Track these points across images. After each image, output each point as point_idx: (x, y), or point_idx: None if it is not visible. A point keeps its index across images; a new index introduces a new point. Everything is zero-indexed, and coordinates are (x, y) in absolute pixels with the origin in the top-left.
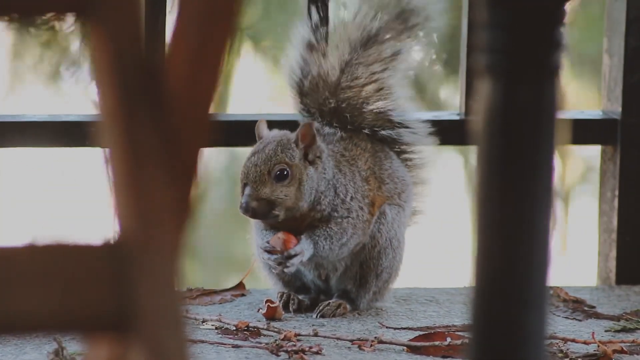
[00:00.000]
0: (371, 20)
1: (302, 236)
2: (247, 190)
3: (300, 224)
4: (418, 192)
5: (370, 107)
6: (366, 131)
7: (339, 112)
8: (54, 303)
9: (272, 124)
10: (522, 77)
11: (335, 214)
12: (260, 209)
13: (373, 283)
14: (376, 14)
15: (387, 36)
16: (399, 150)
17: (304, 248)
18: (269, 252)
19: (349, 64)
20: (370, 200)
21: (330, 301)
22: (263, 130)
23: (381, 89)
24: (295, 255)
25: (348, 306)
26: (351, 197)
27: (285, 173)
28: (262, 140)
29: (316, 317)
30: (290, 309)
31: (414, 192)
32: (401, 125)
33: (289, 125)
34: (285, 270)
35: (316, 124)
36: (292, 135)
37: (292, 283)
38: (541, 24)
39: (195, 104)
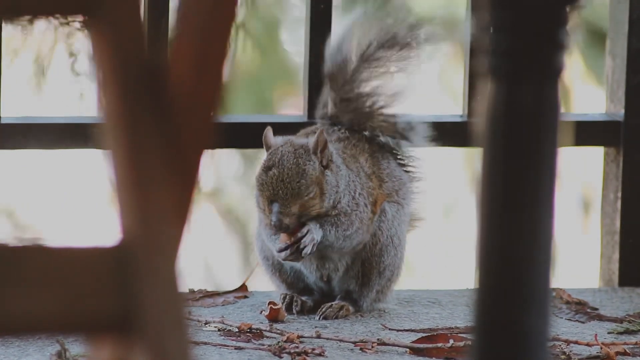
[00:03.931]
0: (394, 22)
1: (308, 222)
2: (276, 207)
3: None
4: (419, 199)
5: (380, 109)
6: (366, 133)
7: (349, 108)
8: (57, 305)
9: (274, 126)
10: (524, 78)
11: (347, 208)
12: (292, 224)
13: (376, 282)
14: (400, 18)
15: (408, 41)
16: (400, 162)
17: (311, 228)
18: (285, 249)
19: (366, 60)
20: (373, 199)
21: (332, 303)
22: (271, 138)
23: (393, 92)
24: (305, 235)
25: (351, 308)
26: (359, 193)
27: (310, 187)
28: (274, 151)
29: (319, 319)
30: (294, 310)
31: (413, 193)
32: (403, 136)
33: (291, 127)
34: (303, 253)
35: (325, 128)
36: (305, 142)
37: (295, 285)
38: (544, 25)
39: (198, 106)
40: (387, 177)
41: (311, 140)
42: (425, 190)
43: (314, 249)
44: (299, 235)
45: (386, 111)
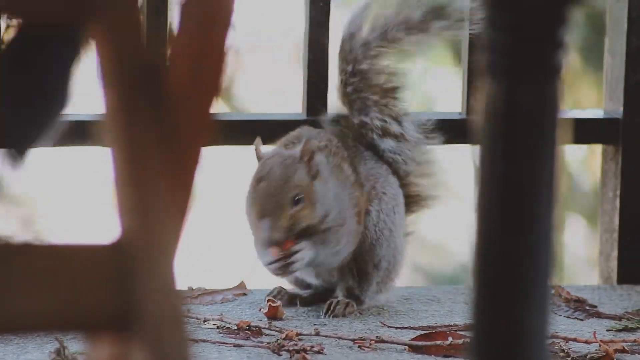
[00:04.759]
0: (409, 8)
1: (301, 240)
2: (265, 223)
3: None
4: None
5: (385, 91)
6: (355, 120)
7: (356, 82)
8: (56, 302)
9: (273, 124)
10: (523, 77)
11: (334, 224)
12: (282, 238)
13: (374, 274)
14: (415, 4)
15: (423, 26)
16: (380, 155)
17: (305, 246)
18: (275, 262)
19: (380, 37)
20: (358, 209)
21: (338, 299)
22: (261, 149)
23: (395, 75)
24: (297, 251)
25: (355, 305)
26: (345, 206)
27: (299, 198)
28: (263, 163)
29: (329, 317)
30: (281, 301)
31: (394, 179)
32: (402, 137)
33: (290, 125)
34: (292, 269)
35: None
36: (293, 152)
37: (295, 281)
38: (543, 24)
39: (196, 103)
40: (364, 180)
41: (298, 150)
42: (431, 195)
43: (302, 267)
44: (292, 250)
45: (390, 94)
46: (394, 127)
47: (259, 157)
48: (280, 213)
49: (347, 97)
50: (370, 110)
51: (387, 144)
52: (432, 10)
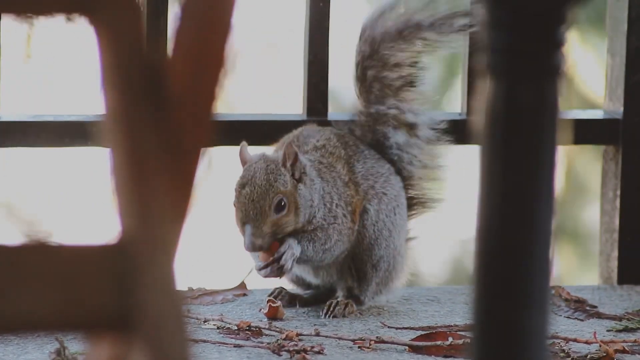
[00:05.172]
0: (430, 6)
1: (286, 238)
2: (249, 229)
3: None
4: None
5: (398, 85)
6: (373, 109)
7: (373, 74)
8: (56, 302)
9: (274, 125)
10: (523, 77)
11: (324, 222)
12: (265, 244)
13: (373, 274)
14: (435, 4)
15: (436, 27)
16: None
17: (290, 243)
18: (265, 267)
19: (401, 31)
20: (352, 208)
21: (338, 300)
22: (246, 154)
23: (409, 74)
24: (284, 252)
25: (355, 306)
26: (336, 204)
27: (283, 203)
28: (248, 168)
29: (329, 317)
30: (282, 301)
31: (396, 179)
32: (414, 131)
33: (290, 126)
34: (285, 269)
35: (293, 140)
36: (277, 157)
37: (295, 281)
38: (543, 23)
39: (197, 104)
40: (362, 179)
41: (281, 154)
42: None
43: (294, 264)
44: (279, 252)
45: (407, 86)
46: (409, 117)
47: (243, 162)
48: (263, 219)
49: (363, 82)
50: (387, 98)
51: (398, 137)
52: (458, 10)
